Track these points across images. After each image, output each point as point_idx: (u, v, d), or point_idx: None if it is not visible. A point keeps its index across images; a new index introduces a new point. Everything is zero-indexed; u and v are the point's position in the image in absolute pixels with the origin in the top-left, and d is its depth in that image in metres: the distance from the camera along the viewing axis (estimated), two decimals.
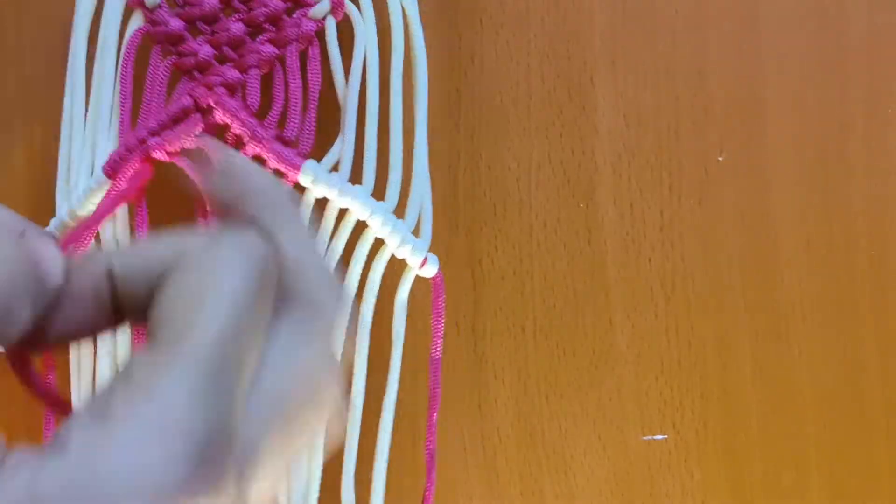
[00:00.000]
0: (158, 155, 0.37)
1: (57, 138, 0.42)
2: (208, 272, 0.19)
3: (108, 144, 0.38)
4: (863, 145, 0.41)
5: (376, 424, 0.38)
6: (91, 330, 0.22)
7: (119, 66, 0.38)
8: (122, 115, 0.38)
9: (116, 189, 0.37)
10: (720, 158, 0.41)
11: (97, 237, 0.38)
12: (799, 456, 0.41)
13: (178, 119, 0.37)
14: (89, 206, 0.37)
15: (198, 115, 0.37)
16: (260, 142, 0.36)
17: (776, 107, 0.41)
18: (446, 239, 0.41)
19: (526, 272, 0.41)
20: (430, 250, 0.38)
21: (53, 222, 0.39)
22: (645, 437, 0.41)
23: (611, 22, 0.41)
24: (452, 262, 0.41)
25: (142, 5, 0.38)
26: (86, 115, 0.39)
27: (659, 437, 0.41)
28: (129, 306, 0.21)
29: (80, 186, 0.38)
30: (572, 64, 0.41)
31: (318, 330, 0.21)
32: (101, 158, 0.38)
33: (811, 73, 0.41)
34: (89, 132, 0.39)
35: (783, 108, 0.41)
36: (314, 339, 0.21)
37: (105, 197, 0.36)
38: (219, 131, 0.38)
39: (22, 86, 0.42)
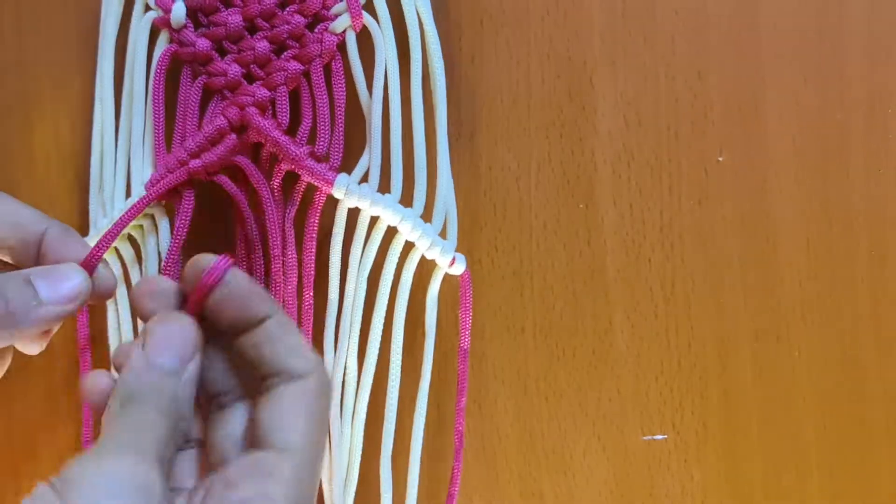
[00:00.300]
0: (199, 176, 0.39)
1: (57, 141, 0.42)
2: (309, 398, 0.29)
3: (142, 163, 0.40)
4: (862, 146, 0.41)
5: (404, 412, 0.40)
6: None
7: (149, 85, 0.40)
8: (156, 134, 0.40)
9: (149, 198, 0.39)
10: (720, 159, 0.41)
11: (137, 247, 0.40)
12: (799, 456, 0.41)
13: (214, 140, 0.39)
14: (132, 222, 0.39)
15: (233, 136, 0.39)
16: (294, 160, 0.38)
17: (776, 107, 0.41)
18: None
19: (526, 272, 0.41)
20: None
21: (92, 235, 0.40)
22: (645, 437, 0.41)
23: (610, 23, 0.41)
24: None
25: (168, 25, 0.39)
26: (116, 134, 0.41)
27: (659, 436, 0.41)
28: (242, 360, 0.31)
29: (117, 202, 0.40)
30: (572, 64, 0.41)
31: None
32: (138, 177, 0.40)
33: (810, 74, 0.41)
34: (122, 151, 0.41)
35: (783, 109, 0.41)
36: None
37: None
38: (254, 149, 0.39)
39: (22, 89, 0.42)
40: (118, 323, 0.41)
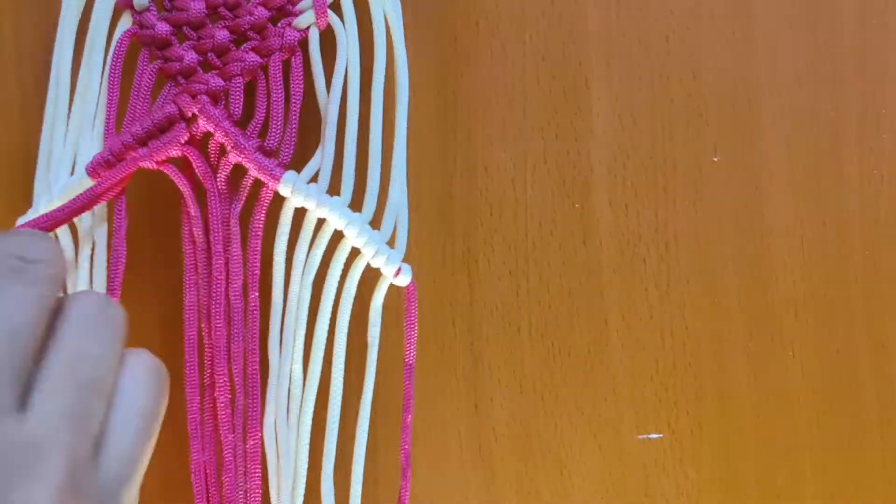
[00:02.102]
0: (146, 164, 0.37)
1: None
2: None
3: (91, 143, 0.39)
4: (856, 146, 0.41)
5: (353, 428, 0.39)
6: None
7: (106, 66, 0.39)
8: (108, 115, 0.39)
9: (98, 189, 0.37)
10: (715, 159, 0.41)
11: (73, 229, 0.39)
12: (793, 456, 0.42)
13: (163, 128, 0.38)
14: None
15: (182, 124, 0.38)
16: (242, 152, 0.37)
17: (770, 108, 0.41)
18: (442, 239, 0.41)
19: (521, 272, 0.41)
20: (426, 251, 0.40)
21: (30, 213, 0.39)
22: (640, 437, 0.41)
23: (605, 23, 0.41)
24: (448, 263, 0.41)
25: (130, 7, 0.39)
26: (69, 111, 0.39)
27: (654, 436, 0.41)
28: None
29: (60, 182, 0.39)
30: (567, 65, 0.41)
31: None
32: (84, 157, 0.38)
33: (805, 75, 0.41)
34: (73, 129, 0.39)
35: (777, 110, 0.41)
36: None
37: (82, 194, 0.37)
38: (203, 139, 0.38)
39: (20, 83, 0.42)
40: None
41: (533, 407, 0.41)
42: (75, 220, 0.38)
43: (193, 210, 0.38)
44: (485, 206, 0.41)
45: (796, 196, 0.41)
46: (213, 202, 0.38)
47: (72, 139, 0.39)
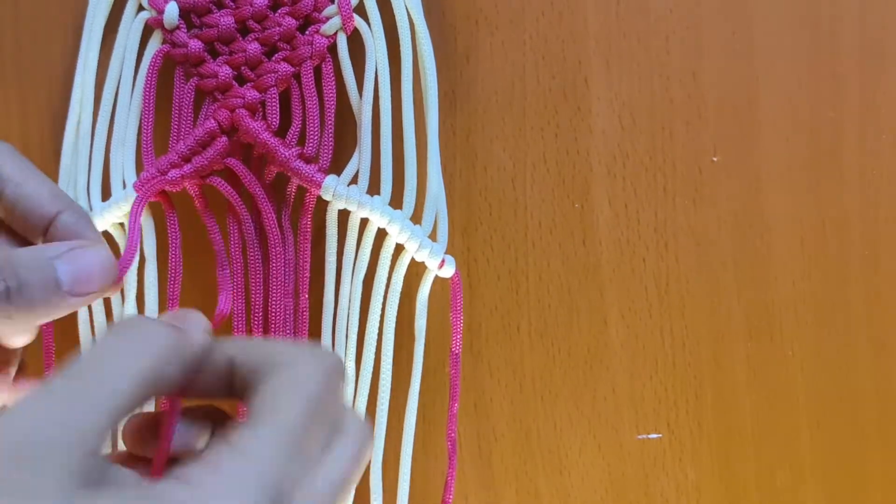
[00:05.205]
0: (192, 180, 0.39)
1: (52, 137, 0.42)
2: (296, 375, 0.26)
3: (122, 162, 0.40)
4: (855, 146, 0.41)
5: (397, 416, 0.40)
6: (215, 395, 0.29)
7: (137, 84, 0.40)
8: (145, 133, 0.40)
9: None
10: (714, 159, 0.41)
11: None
12: (792, 455, 0.42)
13: (205, 143, 0.39)
14: (114, 217, 0.39)
15: (224, 138, 0.39)
16: (283, 161, 0.38)
17: (770, 108, 0.41)
18: None
19: (521, 272, 0.41)
20: None
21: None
22: (640, 437, 0.41)
23: (605, 23, 0.41)
24: None
25: (161, 26, 0.40)
26: (93, 126, 0.40)
27: (653, 435, 0.41)
28: (236, 385, 0.28)
29: (94, 200, 0.40)
30: (567, 65, 0.41)
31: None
32: (117, 175, 0.40)
33: (804, 75, 0.41)
34: (98, 146, 0.40)
35: (777, 110, 0.41)
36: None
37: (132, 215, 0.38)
38: (245, 150, 0.39)
39: (19, 84, 0.42)
40: (89, 316, 0.40)
41: (532, 406, 0.41)
42: (117, 237, 0.40)
43: (244, 215, 0.39)
44: (484, 205, 0.41)
45: (795, 196, 0.41)
46: (266, 207, 0.39)
47: (99, 158, 0.40)
